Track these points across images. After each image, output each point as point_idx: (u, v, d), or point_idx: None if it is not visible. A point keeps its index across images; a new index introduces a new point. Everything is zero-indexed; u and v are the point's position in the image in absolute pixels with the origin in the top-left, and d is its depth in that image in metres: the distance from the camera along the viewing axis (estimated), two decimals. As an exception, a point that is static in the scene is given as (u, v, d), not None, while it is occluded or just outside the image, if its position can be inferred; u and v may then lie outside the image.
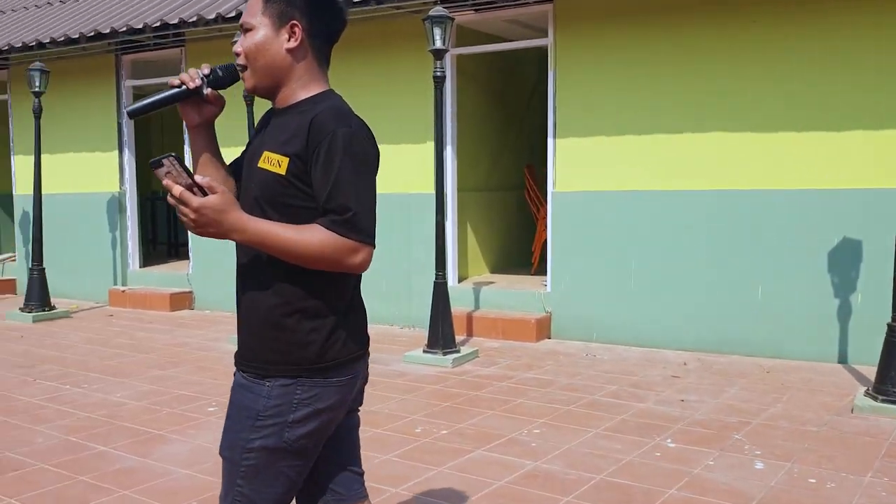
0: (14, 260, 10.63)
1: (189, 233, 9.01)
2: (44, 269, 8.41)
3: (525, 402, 4.87)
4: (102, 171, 9.53)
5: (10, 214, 10.76)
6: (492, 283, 7.56)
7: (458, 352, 5.99)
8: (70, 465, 3.83)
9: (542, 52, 8.24)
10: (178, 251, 11.45)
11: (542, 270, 7.81)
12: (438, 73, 5.90)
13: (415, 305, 7.36)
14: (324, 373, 1.79)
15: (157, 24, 7.90)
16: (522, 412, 4.66)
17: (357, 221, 1.70)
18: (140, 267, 9.58)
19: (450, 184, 7.21)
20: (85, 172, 9.71)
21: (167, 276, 9.23)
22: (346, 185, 1.69)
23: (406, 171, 7.41)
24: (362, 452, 3.98)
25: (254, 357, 1.80)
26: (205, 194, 1.64)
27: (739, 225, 6.09)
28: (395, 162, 7.45)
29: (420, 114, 7.25)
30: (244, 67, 1.82)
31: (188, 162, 1.85)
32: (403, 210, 7.43)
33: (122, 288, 9.18)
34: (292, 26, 1.79)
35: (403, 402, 4.90)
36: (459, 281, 7.59)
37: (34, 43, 8.85)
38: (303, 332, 1.76)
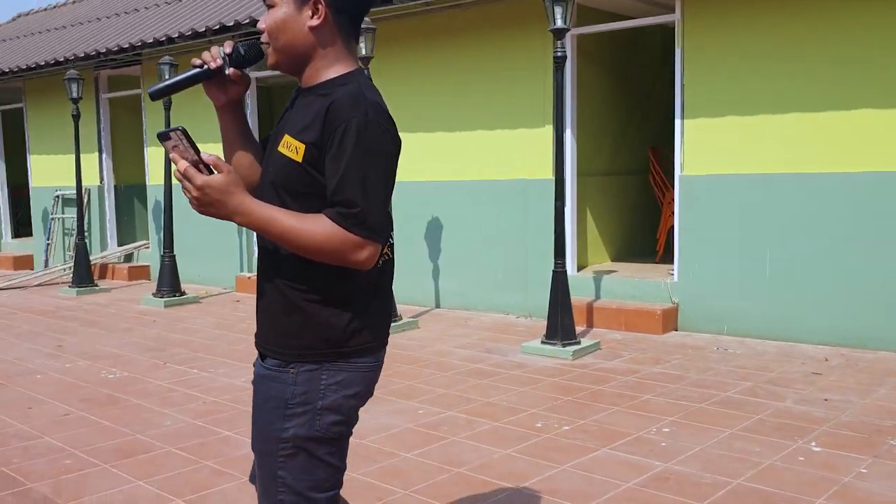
0: (148, 247, 11.16)
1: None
2: (174, 256, 8.76)
3: (652, 399, 4.61)
4: (228, 161, 9.82)
5: (144, 204, 11.30)
6: (613, 271, 7.28)
7: (578, 343, 5.78)
8: (196, 450, 3.91)
9: (667, 30, 7.84)
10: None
11: (667, 258, 7.47)
12: (559, 54, 5.68)
13: (531, 294, 7.19)
14: (348, 357, 1.74)
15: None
16: (649, 409, 4.42)
17: (364, 217, 1.62)
18: (263, 254, 9.83)
19: (569, 168, 6.98)
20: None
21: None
22: (354, 178, 1.61)
23: (523, 156, 7.23)
24: (481, 445, 3.93)
25: (277, 343, 1.76)
26: (211, 172, 1.59)
27: (888, 210, 5.57)
28: (511, 147, 7.29)
29: (537, 97, 7.05)
30: (268, 45, 1.76)
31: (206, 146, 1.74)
32: (520, 196, 7.26)
33: (248, 274, 9.45)
34: (315, 3, 1.70)
35: (522, 395, 4.75)
36: (579, 269, 7.35)
37: (164, 38, 9.20)
38: (326, 317, 1.72)
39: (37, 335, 6.98)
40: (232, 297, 9.06)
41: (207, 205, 1.60)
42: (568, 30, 5.68)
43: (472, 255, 7.64)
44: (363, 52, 6.60)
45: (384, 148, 1.66)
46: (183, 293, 8.73)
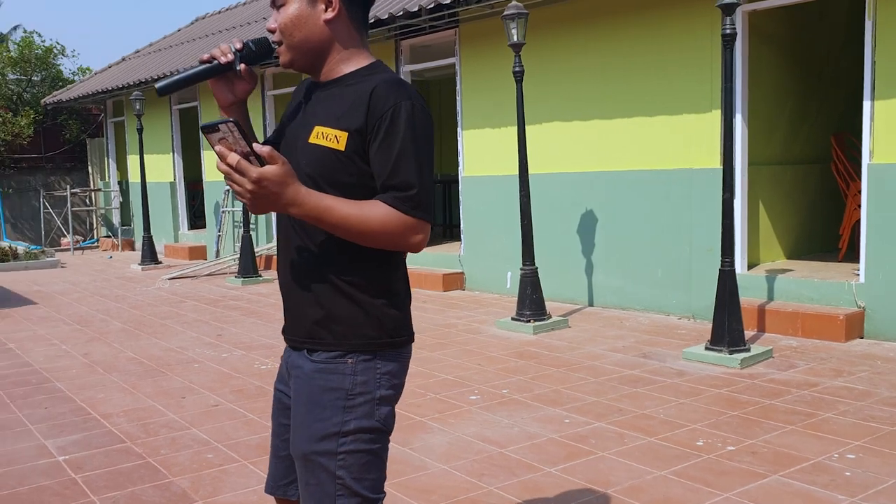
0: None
1: (462, 214, 9.18)
2: (250, 236, 8.88)
3: (834, 418, 4.05)
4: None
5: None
6: (788, 270, 6.60)
7: (747, 350, 5.23)
8: (333, 449, 3.81)
9: (854, 1, 7.02)
10: (452, 232, 11.65)
11: (851, 257, 6.68)
12: (728, 31, 5.14)
13: (695, 294, 6.65)
14: (397, 347, 1.74)
15: (431, 5, 7.91)
16: (831, 430, 3.87)
17: (420, 199, 1.62)
18: (417, 247, 9.83)
19: (739, 156, 6.37)
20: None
21: (441, 257, 9.35)
22: (409, 160, 1.61)
23: (687, 144, 6.69)
24: (632, 463, 3.58)
25: (331, 334, 1.70)
26: (262, 164, 1.51)
27: None
28: (674, 134, 6.77)
29: (703, 80, 6.49)
30: (279, 43, 1.71)
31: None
32: (683, 187, 6.73)
33: (400, 267, 9.46)
34: None
35: (682, 408, 4.32)
36: (749, 268, 6.72)
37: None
38: (380, 306, 1.70)
39: (201, 324, 7.27)
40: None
41: (263, 198, 1.52)
42: (738, 4, 5.13)
43: (630, 249, 7.19)
44: (515, 38, 6.34)
45: (430, 132, 1.66)
46: None
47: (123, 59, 17.18)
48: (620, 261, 7.28)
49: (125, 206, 16.11)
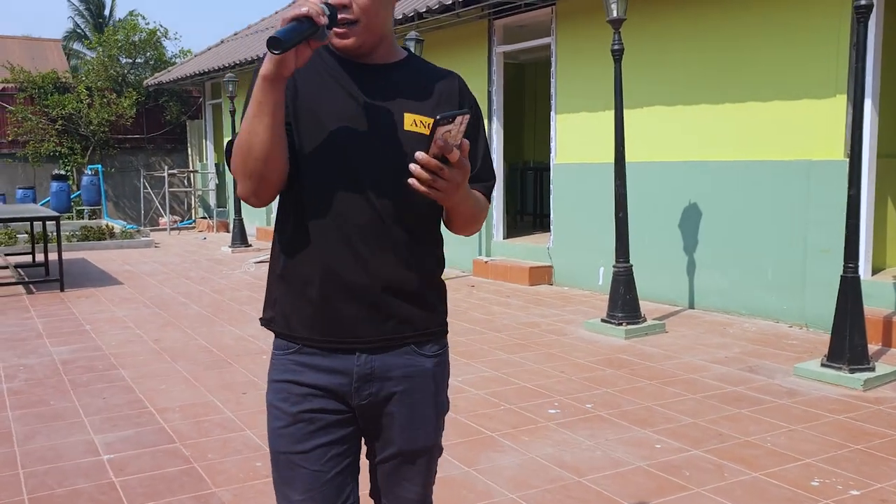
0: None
1: (553, 203, 8.67)
2: None
3: (983, 461, 3.40)
4: (471, 140, 9.46)
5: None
6: (921, 277, 5.82)
7: (871, 369, 4.57)
8: (391, 464, 3.44)
9: None
10: (543, 223, 11.14)
11: None
12: (863, 2, 4.46)
13: (809, 300, 5.95)
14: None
15: (525, -19, 7.42)
16: (980, 477, 3.23)
17: (492, 189, 1.75)
18: (504, 238, 9.39)
19: (867, 148, 5.61)
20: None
21: (529, 249, 8.88)
22: (489, 154, 1.73)
23: (805, 133, 5.98)
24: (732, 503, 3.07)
25: (429, 323, 1.68)
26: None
27: None
28: (790, 120, 6.07)
29: (826, 60, 5.76)
30: (353, 22, 1.55)
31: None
32: (800, 181, 6.02)
33: (486, 259, 9.04)
34: None
35: (793, 436, 3.74)
36: (874, 273, 5.97)
37: (412, 13, 8.98)
38: (443, 295, 1.73)
39: (276, 311, 7.05)
40: (468, 282, 8.69)
41: (457, 192, 1.49)
42: (877, -30, 4.44)
43: (737, 248, 6.53)
44: (614, 13, 5.78)
45: None
46: None
47: (222, 42, 17.36)
48: (725, 260, 6.63)
49: (221, 188, 16.30)
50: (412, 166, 1.43)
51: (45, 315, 6.96)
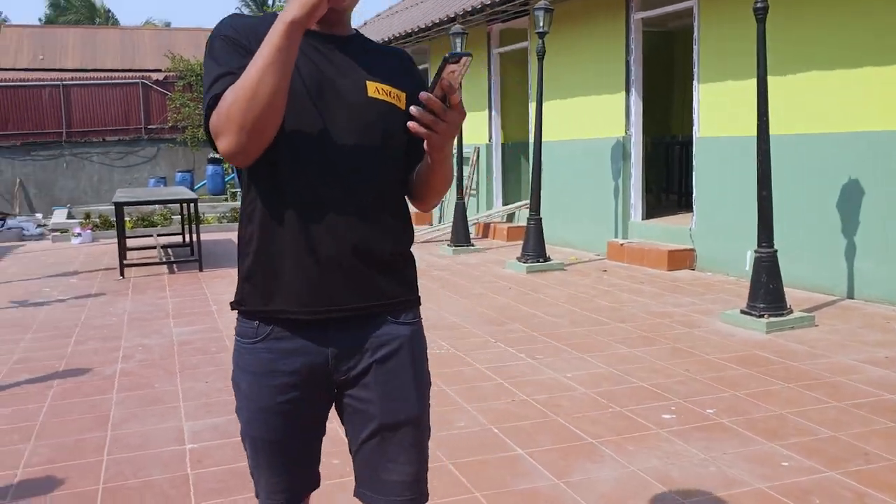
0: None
1: (696, 181, 7.95)
2: (540, 219, 8.15)
3: None
4: (607, 115, 8.91)
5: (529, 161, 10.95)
6: None
7: None
8: (474, 470, 3.14)
9: None
10: (689, 202, 10.36)
11: None
12: None
13: None
14: None
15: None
16: None
17: None
18: (642, 219, 8.79)
19: None
20: (588, 116, 9.24)
21: (670, 231, 8.24)
22: None
23: None
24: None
25: (405, 293, 1.68)
26: None
27: None
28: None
29: None
30: None
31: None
32: None
33: (621, 241, 8.50)
34: None
35: (961, 461, 3.09)
36: None
37: (543, -17, 8.52)
38: (413, 264, 1.72)
39: (396, 295, 6.91)
40: (600, 266, 8.19)
41: (453, 136, 1.51)
42: None
43: (905, 232, 5.67)
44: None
45: None
46: (548, 258, 8.10)
47: (365, 24, 17.52)
48: (892, 244, 5.78)
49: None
50: (413, 108, 1.44)
51: (179, 295, 7.19)
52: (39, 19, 42.80)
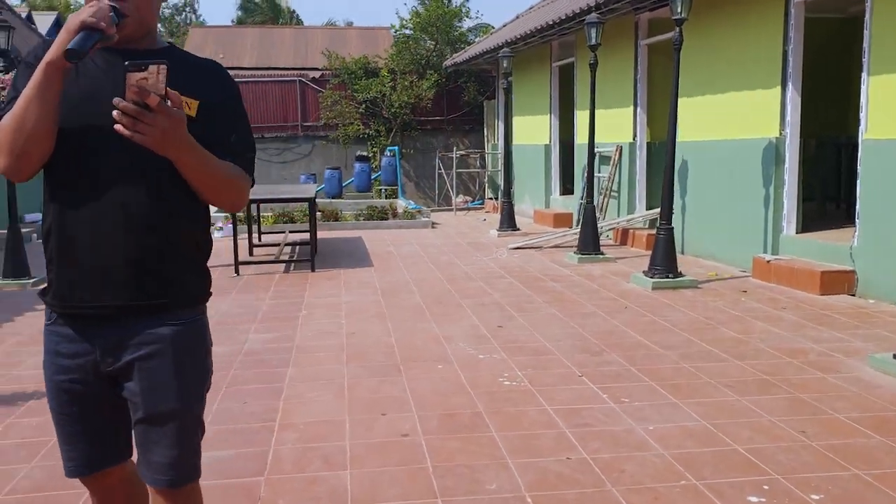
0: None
1: (860, 189, 6.71)
2: (671, 228, 7.24)
3: None
4: (758, 113, 7.81)
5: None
6: None
7: None
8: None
9: None
10: (847, 213, 8.94)
11: None
12: None
13: None
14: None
15: None
16: None
17: (253, 162, 1.89)
18: (797, 232, 7.62)
19: None
20: (736, 114, 8.15)
21: (826, 248, 7.06)
22: (244, 128, 1.88)
23: None
24: None
25: (161, 295, 1.78)
26: None
27: None
28: None
29: None
30: (124, 16, 1.69)
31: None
32: None
33: (768, 257, 7.40)
34: None
35: None
36: None
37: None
38: (193, 267, 1.87)
39: (496, 308, 6.32)
40: (740, 285, 7.15)
41: (172, 141, 1.59)
42: None
43: None
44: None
45: None
46: (679, 274, 7.17)
47: (517, 17, 16.94)
48: None
49: (508, 168, 15.95)
50: (114, 112, 1.53)
51: (279, 296, 6.99)
52: (232, 21, 45.61)
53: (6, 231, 7.88)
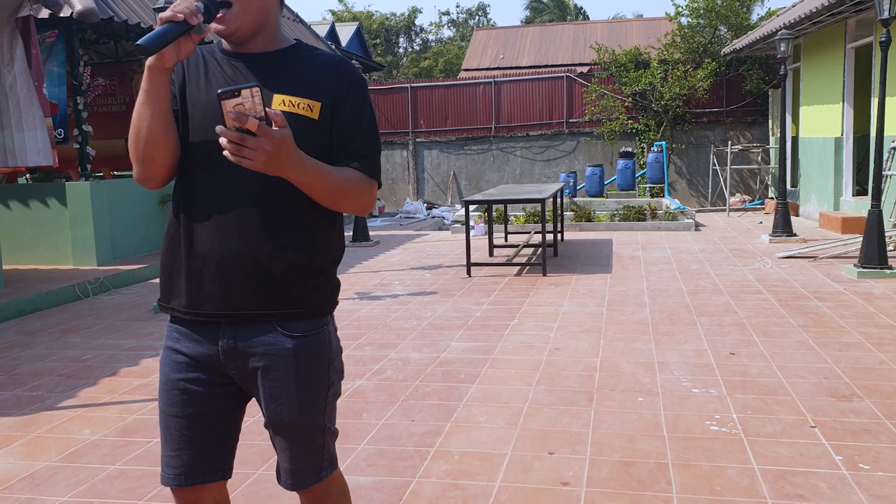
0: None
1: None
2: (880, 210, 5.77)
3: None
4: None
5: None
6: None
7: None
8: None
9: None
10: None
11: None
12: None
13: None
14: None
15: None
16: None
17: (378, 164, 1.79)
18: None
19: None
20: None
21: None
22: (370, 130, 1.78)
23: None
24: None
25: (284, 304, 1.76)
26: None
27: None
28: None
29: None
30: (229, 5, 1.68)
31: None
32: None
33: None
34: None
35: None
36: None
37: None
38: (317, 277, 1.84)
39: (736, 329, 5.41)
40: None
41: (280, 161, 1.55)
42: None
43: None
44: None
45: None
46: (889, 267, 5.66)
47: (810, -5, 14.95)
48: None
49: (794, 166, 14.20)
50: (220, 139, 1.52)
51: (496, 302, 6.67)
52: (521, 21, 46.49)
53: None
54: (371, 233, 12.30)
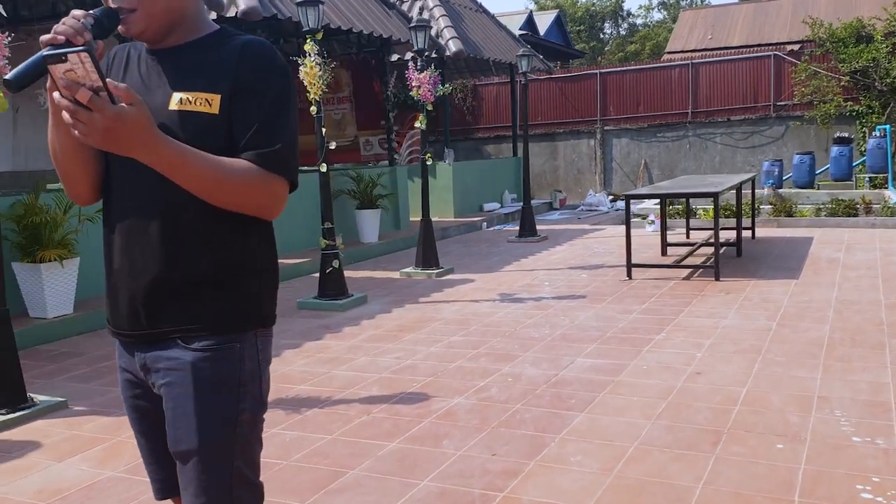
0: None
1: None
2: None
3: None
4: None
5: None
6: None
7: None
8: None
9: None
10: None
11: None
12: None
13: None
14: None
15: None
16: None
17: (284, 157, 1.60)
18: None
19: None
20: None
21: None
22: (280, 121, 1.61)
23: None
24: None
25: (186, 319, 1.61)
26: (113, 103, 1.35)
27: None
28: None
29: None
30: (131, 10, 1.56)
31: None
32: None
33: None
34: None
35: None
36: None
37: None
38: (226, 287, 1.69)
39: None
40: None
41: (121, 140, 1.38)
42: None
43: None
44: None
45: (295, 96, 1.67)
46: None
47: None
48: None
49: None
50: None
51: (649, 311, 5.93)
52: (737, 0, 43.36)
53: (420, 221, 8.24)
54: (544, 227, 11.79)
